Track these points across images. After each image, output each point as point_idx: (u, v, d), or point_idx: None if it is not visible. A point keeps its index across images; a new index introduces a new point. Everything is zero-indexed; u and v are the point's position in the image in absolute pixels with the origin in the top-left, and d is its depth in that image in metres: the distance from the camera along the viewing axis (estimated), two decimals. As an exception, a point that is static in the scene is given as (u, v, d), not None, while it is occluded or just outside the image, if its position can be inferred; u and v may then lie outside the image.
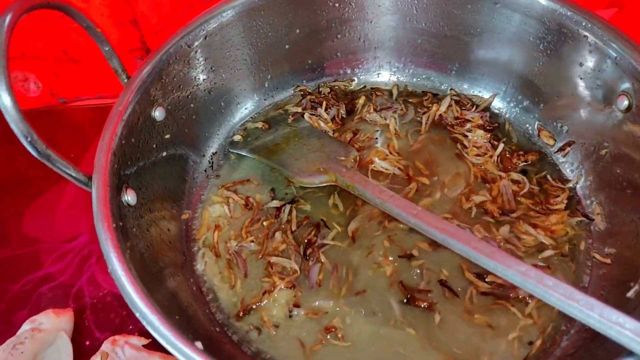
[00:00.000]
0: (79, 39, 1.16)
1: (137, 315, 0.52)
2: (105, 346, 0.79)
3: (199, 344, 0.51)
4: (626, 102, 0.71)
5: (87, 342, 0.83)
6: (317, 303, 0.73)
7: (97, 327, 0.86)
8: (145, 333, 0.82)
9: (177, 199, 0.82)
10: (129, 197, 0.67)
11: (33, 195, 1.05)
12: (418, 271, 0.74)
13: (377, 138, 0.91)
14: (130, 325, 0.85)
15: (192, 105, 0.85)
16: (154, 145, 0.77)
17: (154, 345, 0.80)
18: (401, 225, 0.78)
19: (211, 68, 0.87)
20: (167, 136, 0.81)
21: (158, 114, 0.78)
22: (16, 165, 1.10)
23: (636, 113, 0.70)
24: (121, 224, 0.62)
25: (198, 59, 0.84)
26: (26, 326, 0.80)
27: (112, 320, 0.87)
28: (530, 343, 0.67)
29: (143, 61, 0.75)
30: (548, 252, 0.74)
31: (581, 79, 0.79)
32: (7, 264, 0.94)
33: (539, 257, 0.74)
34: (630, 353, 0.47)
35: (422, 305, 0.71)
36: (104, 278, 0.91)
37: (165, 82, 0.79)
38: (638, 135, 0.70)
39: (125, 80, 0.75)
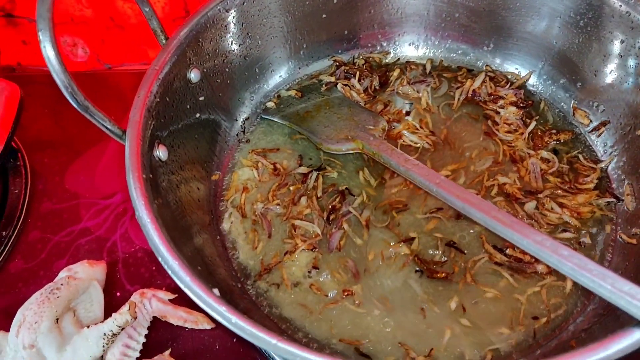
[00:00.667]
0: (124, 6, 1.20)
1: (159, 258, 0.54)
2: (134, 297, 0.84)
3: (216, 291, 0.54)
4: (665, 82, 0.69)
5: (118, 293, 0.88)
6: (337, 266, 0.75)
7: (128, 279, 0.91)
8: (172, 288, 0.86)
9: (208, 159, 0.85)
10: (161, 152, 0.70)
11: (75, 153, 1.10)
12: (437, 246, 0.75)
13: (408, 111, 0.91)
14: (158, 280, 0.89)
15: (227, 69, 0.88)
16: (188, 106, 0.80)
17: (180, 300, 0.85)
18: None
19: (247, 34, 0.88)
20: (202, 98, 0.83)
21: (193, 75, 0.80)
22: (61, 124, 1.15)
23: (675, 92, 0.68)
24: (151, 176, 0.65)
25: (235, 24, 0.86)
26: (63, 274, 0.85)
27: (142, 274, 0.91)
28: (536, 318, 0.68)
29: (181, 23, 0.78)
30: (568, 234, 0.73)
31: (621, 56, 0.77)
32: (49, 216, 0.99)
33: (561, 237, 0.73)
34: (639, 323, 0.46)
35: (440, 276, 0.71)
36: (137, 235, 0.96)
37: (201, 44, 0.81)
38: (675, 116, 0.68)
39: (164, 42, 0.77)
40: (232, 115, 0.91)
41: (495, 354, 0.65)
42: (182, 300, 0.84)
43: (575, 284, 0.69)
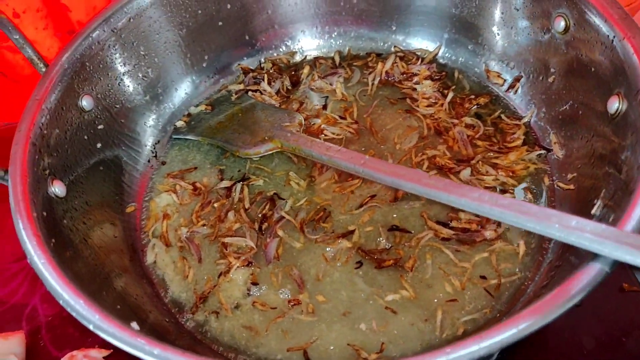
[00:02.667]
0: (16, 58, 1.11)
1: (59, 301, 0.47)
2: (64, 364, 0.74)
3: (134, 325, 0.46)
4: (563, 24, 0.69)
5: (42, 367, 0.78)
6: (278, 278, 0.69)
7: (55, 345, 0.80)
8: (106, 344, 0.76)
9: (118, 191, 0.77)
10: (57, 188, 0.63)
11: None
12: (380, 233, 0.70)
13: (325, 104, 0.87)
14: (90, 337, 0.79)
15: (124, 93, 0.81)
16: (86, 137, 0.73)
17: (116, 356, 0.75)
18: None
19: (141, 53, 0.82)
20: (101, 127, 0.76)
21: (86, 103, 0.73)
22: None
23: (574, 31, 0.68)
24: (45, 214, 0.57)
25: (125, 44, 0.79)
26: (-30, 355, 0.74)
27: (71, 335, 0.81)
28: (483, 277, 0.65)
29: (61, 48, 0.71)
30: (508, 195, 0.71)
31: (517, 10, 0.77)
32: (-49, 293, 0.88)
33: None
34: (595, 256, 0.43)
35: (389, 264, 0.67)
36: (59, 292, 0.86)
37: (89, 69, 0.74)
38: (579, 53, 0.67)
39: (43, 70, 0.70)
40: (139, 141, 0.84)
41: (456, 328, 0.61)
42: (119, 354, 0.75)
43: (527, 246, 0.66)
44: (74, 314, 0.46)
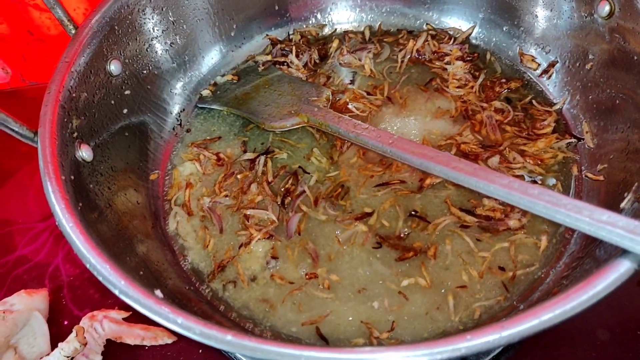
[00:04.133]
0: (42, 17, 1.11)
1: (86, 264, 0.47)
2: (83, 322, 0.76)
3: (158, 292, 0.47)
4: (607, 8, 0.66)
5: (66, 321, 0.80)
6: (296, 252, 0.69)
7: (75, 304, 0.83)
8: (125, 306, 0.78)
9: (143, 158, 0.77)
10: (84, 152, 0.63)
11: (3, 177, 1.01)
12: (398, 217, 0.70)
13: (352, 80, 0.86)
14: (110, 299, 0.81)
15: (152, 59, 0.80)
16: (112, 102, 0.73)
17: (135, 317, 0.77)
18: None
19: (170, 18, 0.81)
20: (128, 92, 0.76)
21: (114, 67, 0.73)
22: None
23: (619, 17, 0.65)
24: (72, 177, 0.57)
25: (154, 8, 0.78)
26: (-3, 309, 0.76)
27: (91, 296, 0.83)
28: (502, 269, 0.64)
29: (87, 9, 0.70)
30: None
31: (560, -8, 0.74)
32: (-20, 248, 0.90)
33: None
34: (624, 252, 0.42)
35: (408, 256, 0.66)
36: (82, 253, 0.87)
37: (118, 33, 0.74)
38: (622, 41, 0.65)
39: (72, 32, 0.70)
40: (164, 108, 0.83)
41: (470, 314, 0.61)
42: (138, 316, 0.76)
43: (550, 240, 0.65)
44: (100, 278, 0.46)
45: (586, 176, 0.70)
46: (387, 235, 0.68)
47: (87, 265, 0.47)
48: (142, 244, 0.67)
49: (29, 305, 0.78)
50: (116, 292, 0.45)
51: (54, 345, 0.74)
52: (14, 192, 1.00)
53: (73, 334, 0.72)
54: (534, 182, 0.70)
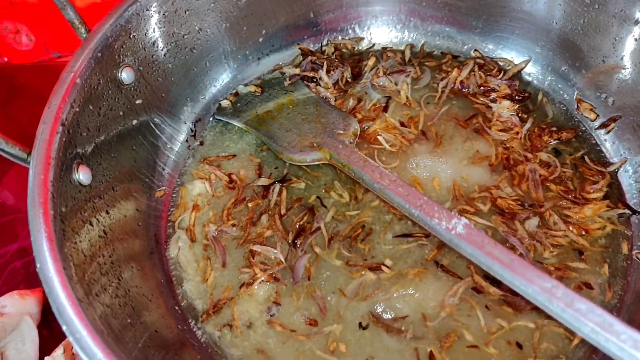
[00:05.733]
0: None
1: (62, 326, 0.42)
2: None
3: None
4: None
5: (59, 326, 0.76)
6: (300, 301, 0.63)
7: (70, 308, 0.79)
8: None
9: (150, 173, 0.72)
10: (82, 175, 0.57)
11: (9, 162, 0.96)
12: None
13: (385, 106, 0.78)
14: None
15: (169, 65, 0.74)
16: (121, 113, 0.67)
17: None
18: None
19: (192, 21, 0.74)
20: (139, 102, 0.70)
21: (126, 75, 0.67)
22: (-5, 126, 1.02)
23: None
24: (64, 209, 0.52)
25: (175, 11, 0.72)
26: (-12, 309, 0.73)
27: (88, 302, 0.79)
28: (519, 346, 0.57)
29: (105, 13, 0.64)
30: (580, 264, 0.62)
31: (635, 40, 0.65)
32: (-20, 234, 0.87)
33: (573, 266, 0.62)
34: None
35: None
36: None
37: (133, 37, 0.67)
38: None
39: (84, 35, 0.63)
40: (178, 118, 0.77)
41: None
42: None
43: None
44: (76, 346, 0.41)
45: (637, 257, 0.62)
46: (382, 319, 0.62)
47: (64, 328, 0.42)
48: (135, 272, 0.62)
49: (20, 309, 0.75)
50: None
51: (42, 351, 0.70)
52: (22, 178, 0.96)
53: (60, 350, 0.68)
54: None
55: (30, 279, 0.82)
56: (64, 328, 0.43)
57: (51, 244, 0.47)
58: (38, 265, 0.47)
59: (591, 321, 0.40)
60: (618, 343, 0.39)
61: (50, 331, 0.75)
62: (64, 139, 0.56)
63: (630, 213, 0.65)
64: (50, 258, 0.47)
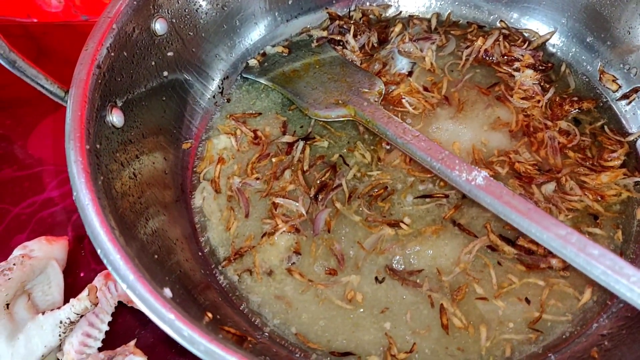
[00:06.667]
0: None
1: (97, 250, 0.45)
2: (98, 280, 0.74)
3: (167, 291, 0.44)
4: None
5: (82, 273, 0.79)
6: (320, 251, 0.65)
7: (94, 258, 0.81)
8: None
9: (177, 125, 0.74)
10: (115, 118, 0.60)
11: (42, 114, 0.99)
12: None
13: (410, 71, 0.79)
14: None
15: (201, 20, 0.76)
16: (153, 63, 0.69)
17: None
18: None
19: (225, -21, 0.76)
20: (170, 54, 0.72)
21: (159, 26, 0.69)
22: (24, 85, 1.04)
23: None
24: (98, 146, 0.54)
25: (209, -33, 0.73)
26: (17, 252, 0.75)
27: (112, 250, 0.82)
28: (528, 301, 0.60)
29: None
30: (596, 230, 0.63)
31: (662, 10, 0.65)
32: (9, 185, 0.89)
33: (585, 230, 0.63)
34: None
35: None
36: (106, 206, 0.86)
37: (168, -11, 0.69)
38: None
39: (121, -16, 0.65)
40: (207, 74, 0.79)
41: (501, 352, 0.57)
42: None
43: (593, 295, 0.60)
44: (109, 268, 0.44)
45: (651, 225, 0.63)
46: (398, 271, 0.63)
47: (99, 251, 0.45)
48: (163, 217, 0.65)
49: (47, 253, 0.77)
50: (124, 287, 0.42)
51: (67, 296, 0.73)
52: (50, 132, 0.98)
53: (85, 292, 0.71)
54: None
55: (55, 229, 0.85)
56: (98, 251, 0.45)
57: (87, 175, 0.50)
58: (75, 193, 0.49)
59: (602, 264, 0.42)
60: (628, 284, 0.40)
61: (74, 279, 0.78)
62: (99, 81, 0.58)
63: (648, 182, 0.66)
64: (86, 188, 0.49)
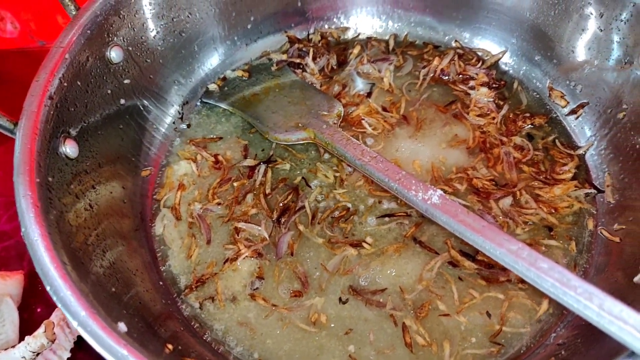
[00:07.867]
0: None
1: (47, 287, 0.44)
2: (55, 315, 0.72)
3: (122, 325, 0.43)
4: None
5: (39, 309, 0.76)
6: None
7: (53, 292, 0.79)
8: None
9: (136, 152, 0.73)
10: (68, 148, 0.59)
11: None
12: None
13: (369, 92, 0.81)
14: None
15: (158, 47, 0.76)
16: (109, 92, 0.68)
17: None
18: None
19: (182, 5, 0.76)
20: (127, 81, 0.71)
21: (115, 54, 0.68)
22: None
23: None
24: (50, 179, 0.53)
25: (165, -6, 0.73)
26: (-33, 290, 0.73)
27: (70, 285, 0.80)
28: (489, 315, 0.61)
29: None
30: (552, 242, 0.65)
31: (601, 31, 0.68)
32: (-42, 219, 0.87)
33: (541, 242, 0.65)
34: (632, 353, 0.38)
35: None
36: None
37: (123, 17, 0.69)
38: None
39: (74, 12, 0.65)
40: (166, 100, 0.79)
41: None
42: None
43: (549, 307, 0.61)
44: (59, 305, 0.43)
45: (601, 233, 0.65)
46: (361, 290, 0.64)
47: (47, 288, 0.44)
48: (120, 247, 0.63)
49: (1, 290, 0.75)
50: (75, 325, 0.41)
51: (23, 333, 0.71)
52: (0, 163, 0.95)
53: (42, 329, 0.68)
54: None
55: (9, 263, 0.82)
56: (47, 288, 0.44)
57: (36, 209, 0.49)
58: (23, 229, 0.48)
59: (551, 277, 0.43)
60: (575, 295, 0.42)
61: (30, 314, 0.76)
62: (51, 112, 0.57)
63: (596, 192, 0.68)
64: (35, 223, 0.48)
